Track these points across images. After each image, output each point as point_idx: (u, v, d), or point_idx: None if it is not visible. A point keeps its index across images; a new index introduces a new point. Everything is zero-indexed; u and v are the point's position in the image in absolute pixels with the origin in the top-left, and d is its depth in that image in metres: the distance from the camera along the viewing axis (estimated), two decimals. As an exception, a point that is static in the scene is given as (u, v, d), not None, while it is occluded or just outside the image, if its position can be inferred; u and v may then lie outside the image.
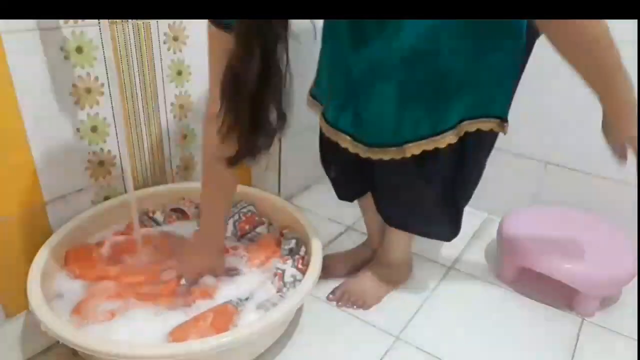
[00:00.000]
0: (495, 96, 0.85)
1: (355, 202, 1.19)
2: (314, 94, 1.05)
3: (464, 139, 0.88)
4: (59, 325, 0.76)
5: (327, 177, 1.14)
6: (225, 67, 0.74)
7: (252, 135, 0.78)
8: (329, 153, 1.05)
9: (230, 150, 0.80)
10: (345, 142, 0.91)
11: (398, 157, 0.88)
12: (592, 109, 1.31)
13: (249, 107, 0.75)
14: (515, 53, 0.82)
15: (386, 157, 0.89)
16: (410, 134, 0.86)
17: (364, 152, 0.90)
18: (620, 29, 1.20)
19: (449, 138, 0.86)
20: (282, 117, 0.79)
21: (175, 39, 1.08)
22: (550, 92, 1.32)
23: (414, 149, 0.86)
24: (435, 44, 0.79)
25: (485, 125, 0.88)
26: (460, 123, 0.86)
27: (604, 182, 1.35)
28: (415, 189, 0.96)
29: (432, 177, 0.93)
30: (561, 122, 1.36)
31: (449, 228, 1.05)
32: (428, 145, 0.86)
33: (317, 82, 1.04)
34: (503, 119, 0.87)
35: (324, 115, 0.96)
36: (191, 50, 1.12)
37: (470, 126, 0.87)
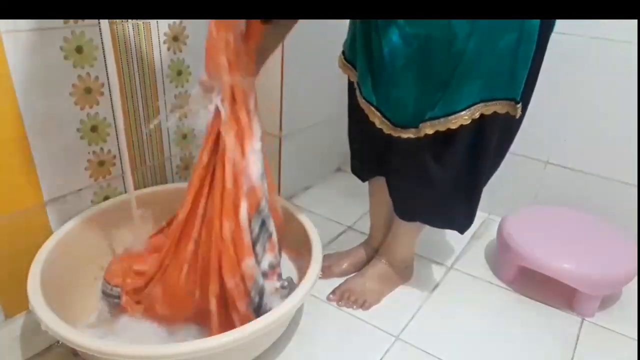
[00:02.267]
0: (508, 79, 0.86)
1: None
2: (348, 58, 1.03)
3: (481, 122, 0.89)
4: (59, 324, 0.76)
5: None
6: None
7: None
8: (356, 122, 1.07)
9: None
10: (375, 117, 0.96)
11: (415, 136, 0.92)
12: (592, 109, 1.32)
13: None
14: (526, 38, 0.82)
15: (404, 136, 0.93)
16: (426, 115, 0.89)
17: (387, 128, 0.95)
18: (621, 29, 1.21)
19: (462, 119, 0.87)
20: None
21: (175, 39, 1.08)
22: (551, 92, 1.33)
23: (427, 128, 0.90)
24: (451, 28, 0.81)
25: (501, 108, 0.88)
26: (473, 105, 0.87)
27: (604, 182, 1.35)
28: (429, 172, 0.96)
29: (447, 160, 0.94)
30: (561, 122, 1.36)
31: (464, 216, 1.04)
32: (441, 125, 0.89)
33: (350, 45, 1.02)
34: (517, 101, 0.88)
35: (359, 85, 0.99)
36: (191, 50, 1.12)
37: (486, 109, 0.88)
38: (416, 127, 0.92)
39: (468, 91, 0.86)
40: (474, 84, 0.85)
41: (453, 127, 0.88)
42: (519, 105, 0.88)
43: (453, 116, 0.87)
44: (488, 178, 1.04)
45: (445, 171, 0.95)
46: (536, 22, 0.82)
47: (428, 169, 0.96)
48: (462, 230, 1.07)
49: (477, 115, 0.87)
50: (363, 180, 1.18)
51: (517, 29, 0.81)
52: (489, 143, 0.93)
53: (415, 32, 0.84)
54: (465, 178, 0.97)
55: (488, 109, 0.88)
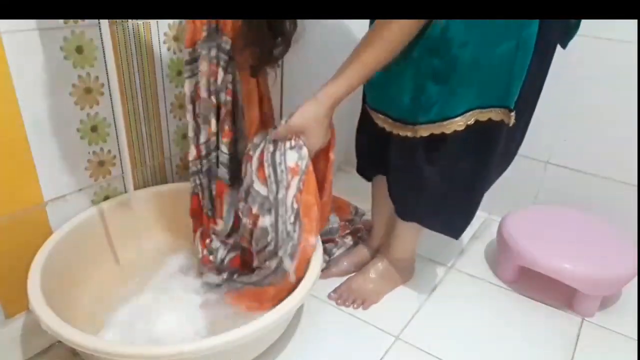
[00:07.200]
0: (504, 87, 0.86)
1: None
2: None
3: (476, 128, 0.89)
4: (59, 324, 0.76)
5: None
6: None
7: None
8: (362, 119, 1.09)
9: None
10: (379, 119, 0.98)
11: (411, 135, 0.93)
12: (592, 109, 1.32)
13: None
14: (522, 46, 0.82)
15: (402, 134, 0.94)
16: (422, 117, 0.90)
17: (388, 125, 0.96)
18: (621, 29, 1.21)
19: (456, 125, 0.88)
20: (294, 25, 0.90)
21: (175, 39, 1.08)
22: (550, 92, 1.32)
23: (423, 130, 0.91)
24: (447, 33, 0.81)
25: (496, 115, 0.89)
26: (468, 112, 0.88)
27: (604, 182, 1.35)
28: (423, 173, 0.96)
29: (440, 163, 0.94)
30: (561, 122, 1.36)
31: (459, 222, 1.05)
32: (435, 129, 0.89)
33: None
34: (511, 109, 0.88)
35: (364, 90, 1.01)
36: (191, 50, 1.12)
37: (481, 115, 0.88)
38: (411, 124, 0.92)
39: (464, 97, 0.86)
40: (470, 91, 0.86)
41: (447, 131, 0.89)
42: (513, 114, 0.88)
43: (448, 121, 0.88)
44: (485, 185, 1.03)
45: (438, 174, 0.96)
46: (534, 31, 0.82)
47: (422, 170, 0.96)
48: (456, 235, 1.07)
49: (471, 121, 0.88)
50: (367, 179, 1.19)
51: (514, 37, 0.81)
52: (484, 150, 0.93)
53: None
54: (459, 182, 0.97)
55: (483, 115, 0.88)
